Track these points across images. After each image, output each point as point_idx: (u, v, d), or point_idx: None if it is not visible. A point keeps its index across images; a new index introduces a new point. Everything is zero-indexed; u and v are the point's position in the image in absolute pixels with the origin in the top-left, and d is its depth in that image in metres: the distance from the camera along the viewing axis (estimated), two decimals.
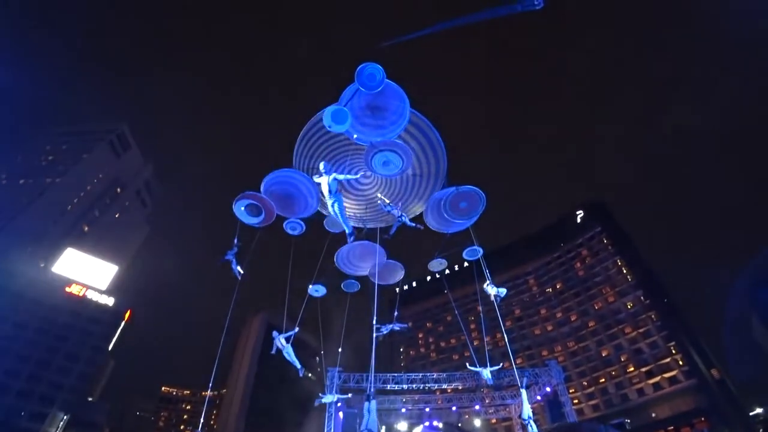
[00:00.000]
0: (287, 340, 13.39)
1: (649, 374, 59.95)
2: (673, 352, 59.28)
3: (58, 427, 60.20)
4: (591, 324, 70.66)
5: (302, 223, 13.83)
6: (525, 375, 26.69)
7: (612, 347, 66.10)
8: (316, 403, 17.31)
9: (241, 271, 12.35)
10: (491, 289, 14.05)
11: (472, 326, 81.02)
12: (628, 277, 70.13)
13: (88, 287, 73.97)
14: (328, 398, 17.57)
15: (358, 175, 10.54)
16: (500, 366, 16.37)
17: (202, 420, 16.38)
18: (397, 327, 14.89)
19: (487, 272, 14.17)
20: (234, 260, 12.22)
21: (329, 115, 10.27)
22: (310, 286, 15.36)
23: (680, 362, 57.99)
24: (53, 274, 72.53)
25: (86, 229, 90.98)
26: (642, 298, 66.62)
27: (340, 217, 9.80)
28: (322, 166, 9.69)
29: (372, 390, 9.92)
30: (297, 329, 13.65)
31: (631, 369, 62.32)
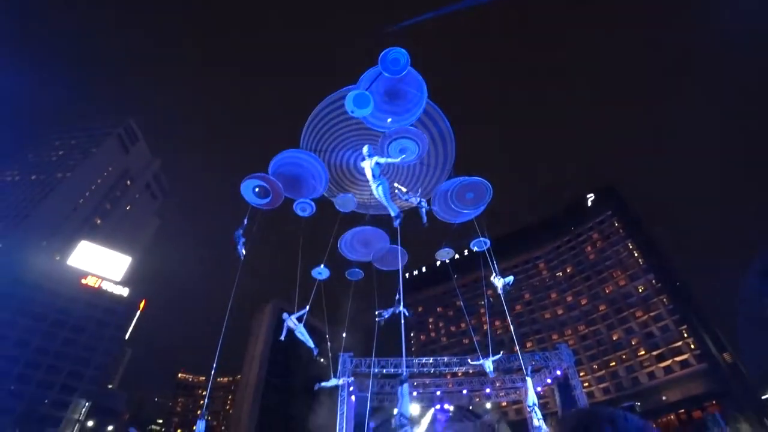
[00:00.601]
0: (299, 319, 13.45)
1: (660, 358, 59.80)
2: (685, 335, 58.97)
3: (80, 413, 62.21)
4: (601, 308, 70.48)
5: (312, 204, 13.77)
6: (535, 358, 26.84)
7: (622, 331, 65.92)
8: (317, 387, 17.18)
9: (244, 252, 12.32)
10: (498, 282, 14.20)
11: (482, 311, 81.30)
12: (640, 260, 69.51)
13: (103, 279, 75.37)
14: (332, 382, 17.30)
15: (398, 159, 10.38)
16: (500, 354, 16.45)
17: (206, 402, 16.47)
18: (397, 311, 14.88)
19: (494, 265, 14.27)
20: (242, 240, 12.16)
21: (351, 99, 10.03)
22: (321, 266, 15.31)
23: (692, 346, 57.70)
24: (69, 266, 73.98)
25: (99, 222, 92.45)
26: (653, 281, 66.09)
27: (385, 200, 9.79)
28: (366, 149, 9.65)
29: (405, 374, 10.02)
30: (307, 308, 13.72)
31: (642, 353, 62.21)
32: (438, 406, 26.64)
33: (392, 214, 9.99)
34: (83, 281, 73.06)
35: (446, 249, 16.37)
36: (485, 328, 75.33)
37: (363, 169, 14.15)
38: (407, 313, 14.71)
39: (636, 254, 70.59)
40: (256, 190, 11.52)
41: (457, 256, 15.73)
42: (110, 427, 59.56)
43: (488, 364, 15.48)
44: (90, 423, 60.38)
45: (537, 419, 11.80)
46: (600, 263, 74.37)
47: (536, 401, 12.13)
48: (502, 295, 14.08)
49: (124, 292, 76.28)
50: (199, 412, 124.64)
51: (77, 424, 61.13)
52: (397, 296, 14.40)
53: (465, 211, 13.99)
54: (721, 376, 53.07)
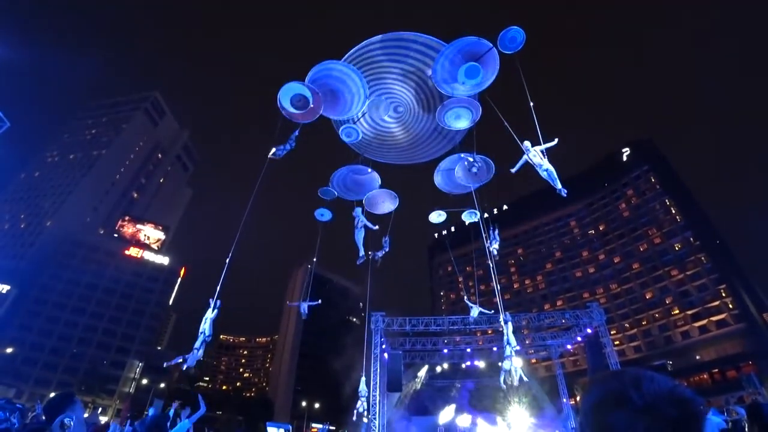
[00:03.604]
0: (365, 227, 13.85)
1: (696, 317, 58.35)
2: (723, 295, 56.98)
3: (135, 372, 67.97)
4: (635, 266, 68.70)
5: (358, 129, 13.52)
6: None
7: (657, 289, 64.39)
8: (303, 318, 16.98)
9: (276, 156, 11.91)
10: (493, 247, 15.01)
11: (513, 269, 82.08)
12: (677, 217, 66.70)
13: (144, 249, 79.66)
14: (300, 305, 16.52)
15: (554, 142, 10.61)
16: (491, 312, 17.39)
17: (217, 290, 15.48)
18: (386, 249, 15.62)
19: (494, 233, 15.60)
20: (281, 150, 11.75)
21: (463, 72, 10.63)
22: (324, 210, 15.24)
23: (730, 306, 55.83)
24: (112, 239, 78.49)
25: (135, 195, 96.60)
26: (691, 239, 63.54)
27: (553, 175, 10.52)
28: (526, 143, 10.30)
29: (504, 317, 11.15)
30: (377, 227, 14.23)
31: (677, 312, 60.84)
32: (468, 363, 27.37)
33: (557, 187, 10.77)
34: (126, 252, 77.52)
35: (438, 211, 16.83)
36: (516, 286, 76.97)
37: (383, 120, 13.98)
38: (386, 248, 15.40)
39: (673, 211, 67.63)
40: (305, 96, 10.94)
41: (486, 215, 15.70)
42: (162, 385, 64.82)
43: (474, 311, 16.64)
44: (144, 381, 65.87)
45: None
46: (635, 220, 71.78)
47: (514, 344, 13.46)
48: (492, 260, 14.84)
49: (165, 260, 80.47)
50: (241, 369, 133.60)
51: (133, 382, 66.96)
52: (385, 238, 15.38)
53: (466, 185, 14.28)
54: (760, 336, 51.35)
